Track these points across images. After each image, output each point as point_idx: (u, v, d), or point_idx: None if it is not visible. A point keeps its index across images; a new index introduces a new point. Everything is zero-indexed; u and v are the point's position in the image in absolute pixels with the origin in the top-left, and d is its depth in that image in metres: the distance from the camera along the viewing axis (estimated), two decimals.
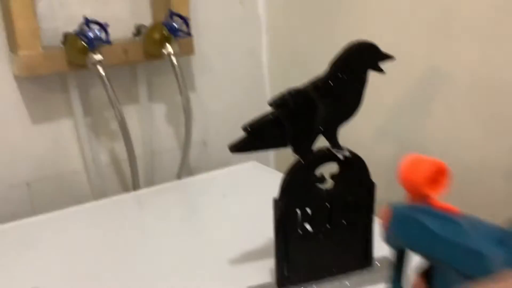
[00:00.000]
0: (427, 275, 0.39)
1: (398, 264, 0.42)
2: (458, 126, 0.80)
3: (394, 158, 0.86)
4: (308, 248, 0.61)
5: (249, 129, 0.54)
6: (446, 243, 0.36)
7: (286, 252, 0.60)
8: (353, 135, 0.89)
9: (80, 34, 0.82)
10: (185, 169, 1.07)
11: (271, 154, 1.22)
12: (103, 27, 0.82)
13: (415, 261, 0.42)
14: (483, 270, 0.33)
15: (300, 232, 0.60)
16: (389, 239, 0.41)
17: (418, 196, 0.39)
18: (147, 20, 0.99)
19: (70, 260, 0.73)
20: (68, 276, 0.69)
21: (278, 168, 1.13)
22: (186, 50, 0.98)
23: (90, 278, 0.68)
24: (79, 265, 0.72)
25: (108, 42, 0.83)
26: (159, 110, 1.06)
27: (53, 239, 0.80)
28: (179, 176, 1.05)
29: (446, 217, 0.37)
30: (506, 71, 0.72)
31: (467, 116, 0.79)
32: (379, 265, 0.65)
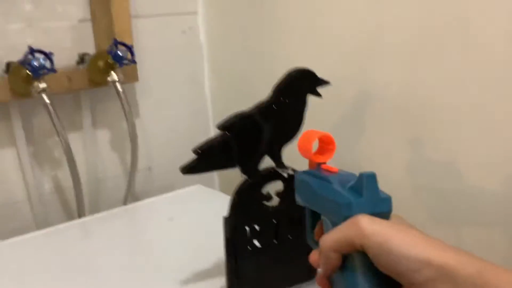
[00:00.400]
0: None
1: (309, 218, 0.48)
2: (387, 144, 0.87)
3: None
4: (257, 263, 0.64)
5: (199, 151, 0.57)
6: (320, 197, 0.43)
7: (236, 268, 0.63)
8: (295, 155, 0.94)
9: (25, 63, 0.83)
10: (131, 195, 1.08)
11: (215, 177, 1.25)
12: (47, 56, 0.83)
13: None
14: (342, 216, 0.39)
15: (249, 248, 0.63)
16: (297, 199, 0.48)
17: (312, 162, 0.47)
18: (90, 48, 1.01)
19: None
20: None
21: (223, 190, 1.16)
22: (131, 77, 1.00)
23: None
24: None
25: (53, 70, 0.84)
26: (104, 136, 1.07)
27: None
28: (125, 202, 1.06)
29: (323, 177, 0.44)
30: (427, 90, 0.80)
31: (395, 134, 0.86)
32: None
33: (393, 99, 0.84)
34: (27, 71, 0.83)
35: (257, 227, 0.63)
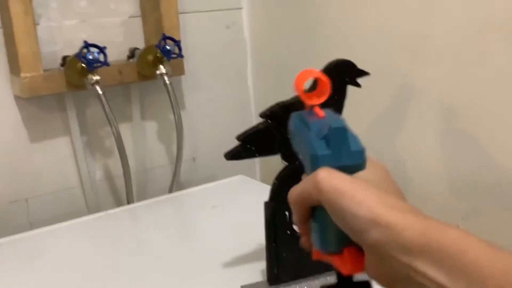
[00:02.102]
0: None
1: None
2: (429, 139, 0.88)
3: None
4: (296, 248, 0.66)
5: (242, 138, 0.60)
6: (298, 143, 0.42)
7: (276, 251, 0.66)
8: None
9: (80, 56, 0.88)
10: (176, 184, 1.12)
11: (257, 167, 1.29)
12: (101, 50, 0.88)
13: None
14: (309, 168, 0.38)
15: (289, 232, 0.66)
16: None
17: (306, 104, 0.44)
18: (140, 43, 1.06)
19: (68, 273, 0.76)
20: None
21: (264, 181, 1.19)
22: (177, 71, 1.04)
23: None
24: (76, 277, 0.75)
25: (106, 63, 0.89)
26: (151, 128, 1.12)
27: (50, 252, 0.83)
28: (170, 190, 1.10)
29: (306, 122, 0.42)
30: (470, 91, 0.80)
31: (437, 130, 0.86)
32: None
33: (438, 95, 0.85)
34: (82, 64, 0.88)
35: None
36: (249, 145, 0.61)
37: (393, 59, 0.91)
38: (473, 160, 0.82)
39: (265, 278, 0.67)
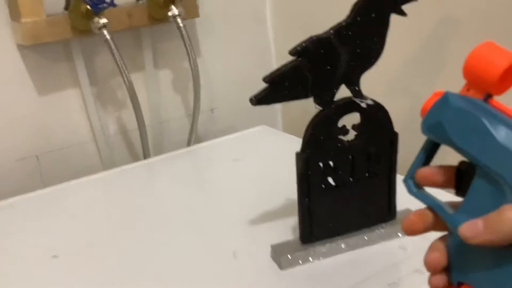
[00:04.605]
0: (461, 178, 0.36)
1: (425, 158, 0.37)
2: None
3: (407, 112, 0.85)
4: (331, 203, 0.60)
5: (269, 80, 0.52)
6: (500, 148, 0.31)
7: (309, 206, 0.59)
8: (365, 89, 0.88)
9: None
10: (194, 136, 1.06)
11: (279, 117, 1.21)
12: None
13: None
14: None
15: (323, 186, 0.59)
16: (428, 126, 0.35)
17: (480, 90, 0.33)
18: None
19: (84, 229, 0.72)
20: (84, 244, 0.68)
21: (286, 130, 1.11)
22: (191, 12, 0.95)
23: (106, 245, 0.68)
24: (93, 234, 0.71)
25: (113, 4, 0.80)
26: (166, 77, 1.04)
27: (65, 210, 0.79)
28: (188, 143, 1.04)
29: (508, 122, 0.31)
30: None
31: None
32: (402, 217, 0.64)
33: (476, 23, 0.75)
34: (87, 6, 0.80)
35: (331, 164, 0.58)
36: (278, 87, 0.53)
37: None
38: None
39: (297, 236, 0.61)
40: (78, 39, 0.88)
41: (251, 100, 0.53)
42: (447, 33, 0.81)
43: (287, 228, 0.66)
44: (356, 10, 0.52)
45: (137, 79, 0.98)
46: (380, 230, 0.63)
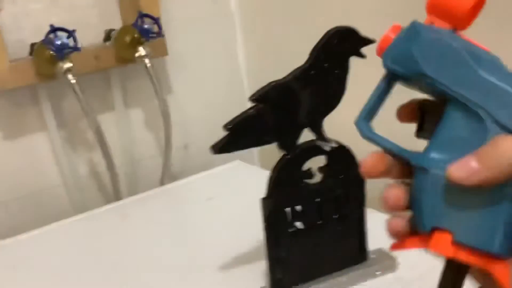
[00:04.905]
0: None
1: (379, 97, 0.34)
2: None
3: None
4: (301, 247, 0.59)
5: (230, 128, 0.51)
6: (485, 82, 0.29)
7: (278, 253, 0.57)
8: (339, 126, 0.87)
9: (47, 43, 0.79)
10: (168, 175, 1.04)
11: (255, 152, 1.20)
12: (70, 33, 0.79)
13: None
14: None
15: (291, 230, 0.58)
16: (394, 57, 0.32)
17: (447, 24, 0.32)
18: (117, 24, 0.96)
19: (55, 279, 0.70)
20: None
21: (263, 166, 1.10)
22: (159, 52, 0.95)
23: None
24: (65, 283, 0.68)
25: (77, 49, 0.79)
26: (137, 116, 1.03)
27: (35, 258, 0.76)
28: (162, 182, 1.02)
29: (484, 53, 0.30)
30: None
31: None
32: (375, 257, 0.63)
33: None
34: (50, 52, 0.79)
35: (298, 207, 0.57)
36: (239, 135, 0.52)
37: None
38: None
39: (268, 283, 0.59)
40: (44, 84, 0.87)
41: (212, 149, 0.52)
42: None
43: (258, 273, 0.64)
44: (315, 55, 0.52)
45: (107, 119, 0.97)
46: (353, 272, 0.61)
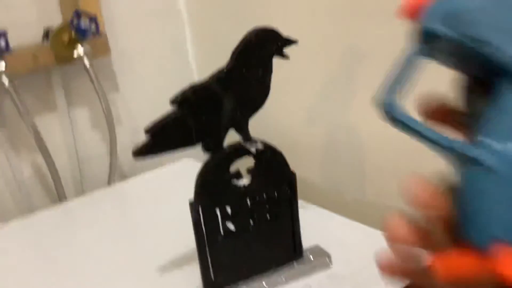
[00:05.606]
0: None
1: (408, 66, 0.26)
2: None
3: (323, 138, 0.85)
4: (234, 248, 0.58)
5: (151, 131, 0.50)
6: None
7: (210, 255, 0.57)
8: (285, 119, 0.87)
9: None
10: (117, 174, 1.02)
11: None
12: (1, 35, 0.76)
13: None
14: None
15: (223, 232, 0.57)
16: (443, 15, 0.25)
17: None
18: (58, 21, 0.93)
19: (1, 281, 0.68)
20: None
21: None
22: (101, 51, 0.93)
23: None
24: (11, 285, 0.67)
25: (8, 50, 0.77)
26: (81, 115, 1.00)
27: None
28: (109, 182, 1.00)
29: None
30: None
31: None
32: (310, 255, 0.63)
33: (382, 57, 0.76)
34: None
35: (229, 209, 0.57)
36: (161, 139, 0.51)
37: (335, 21, 0.81)
38: None
39: (202, 284, 0.59)
40: None
41: (133, 153, 0.51)
42: (353, 63, 0.81)
43: (196, 275, 0.63)
44: (236, 56, 0.52)
45: (50, 119, 0.95)
46: (288, 270, 0.62)
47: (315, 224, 0.71)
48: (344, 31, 0.80)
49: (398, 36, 0.75)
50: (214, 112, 0.52)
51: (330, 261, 0.64)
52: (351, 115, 0.85)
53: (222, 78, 0.51)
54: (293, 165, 0.58)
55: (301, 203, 0.61)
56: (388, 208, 0.80)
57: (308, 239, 0.63)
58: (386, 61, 0.79)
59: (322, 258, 0.63)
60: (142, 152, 0.51)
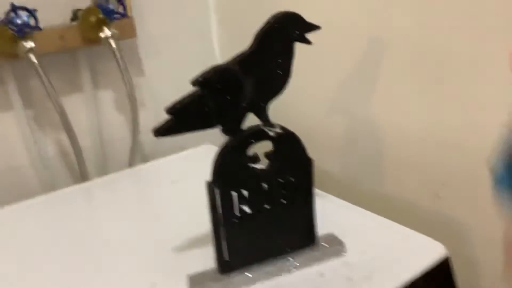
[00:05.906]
0: None
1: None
2: (399, 94, 0.79)
3: (343, 128, 0.85)
4: (249, 230, 0.59)
5: (171, 111, 0.51)
6: None
7: (225, 236, 0.58)
8: (306, 107, 0.87)
9: (8, 22, 0.78)
10: (138, 157, 1.04)
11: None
12: (31, 12, 0.78)
13: None
14: None
15: (238, 214, 0.58)
16: None
17: None
18: (86, 3, 0.95)
19: (23, 257, 0.70)
20: (22, 274, 0.66)
21: None
22: (127, 33, 0.94)
23: (44, 273, 0.66)
24: (32, 261, 0.69)
25: (38, 28, 0.79)
26: (106, 98, 1.02)
27: (2, 237, 0.76)
28: (130, 164, 1.02)
29: None
30: (440, 38, 0.70)
31: (408, 84, 0.77)
32: (324, 242, 0.64)
33: (406, 47, 0.76)
34: (11, 31, 0.78)
35: (245, 192, 0.57)
36: (182, 118, 0.52)
37: (360, 9, 0.81)
38: (453, 119, 0.73)
39: (215, 265, 0.60)
40: (9, 63, 0.86)
41: (153, 133, 0.52)
42: (378, 54, 0.81)
43: (209, 257, 0.64)
44: (258, 40, 0.52)
45: (76, 100, 0.97)
46: (301, 255, 0.62)
47: (331, 213, 0.72)
48: (371, 20, 0.80)
49: (423, 28, 0.75)
50: (234, 94, 0.52)
51: (344, 249, 0.64)
52: (372, 107, 0.85)
53: (243, 61, 0.52)
54: (311, 154, 0.59)
55: (317, 192, 0.61)
56: (405, 201, 0.80)
57: (323, 227, 0.64)
58: (410, 54, 0.79)
59: (336, 246, 0.64)
60: (162, 131, 0.52)
